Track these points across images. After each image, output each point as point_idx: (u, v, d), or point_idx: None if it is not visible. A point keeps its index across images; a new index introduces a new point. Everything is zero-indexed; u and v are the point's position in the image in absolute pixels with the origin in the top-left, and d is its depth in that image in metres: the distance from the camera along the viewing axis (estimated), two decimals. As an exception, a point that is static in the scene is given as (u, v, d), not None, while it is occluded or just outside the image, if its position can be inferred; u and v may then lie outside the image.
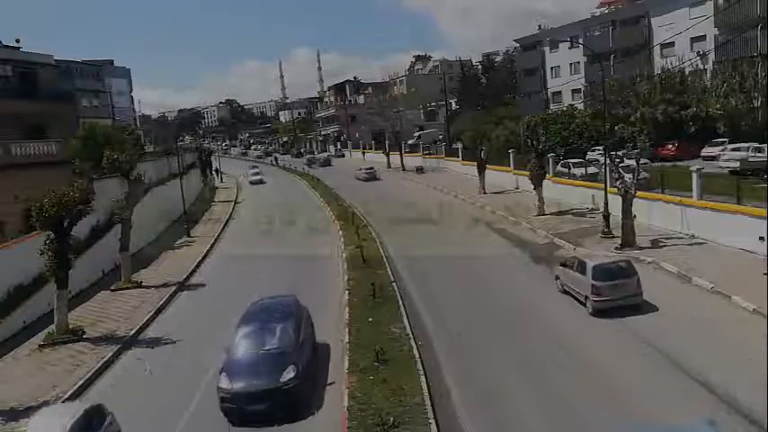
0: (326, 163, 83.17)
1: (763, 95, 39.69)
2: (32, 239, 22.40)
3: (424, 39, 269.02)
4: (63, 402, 15.32)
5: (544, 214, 32.29)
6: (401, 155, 66.35)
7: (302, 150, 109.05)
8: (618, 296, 17.60)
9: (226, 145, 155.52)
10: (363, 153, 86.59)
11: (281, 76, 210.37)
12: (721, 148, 37.18)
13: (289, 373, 13.79)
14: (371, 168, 61.65)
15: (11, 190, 28.23)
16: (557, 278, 20.59)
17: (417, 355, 15.87)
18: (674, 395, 12.88)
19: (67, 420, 11.81)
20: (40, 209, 19.64)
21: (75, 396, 16.13)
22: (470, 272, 24.39)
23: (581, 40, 55.08)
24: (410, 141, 75.54)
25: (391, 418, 12.28)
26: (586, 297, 18.11)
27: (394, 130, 70.29)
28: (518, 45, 74.38)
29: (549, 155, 36.23)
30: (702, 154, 39.43)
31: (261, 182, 67.76)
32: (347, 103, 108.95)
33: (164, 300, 24.74)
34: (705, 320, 16.73)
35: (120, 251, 27.41)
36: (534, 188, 32.95)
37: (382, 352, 15.58)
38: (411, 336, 17.29)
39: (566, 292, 19.77)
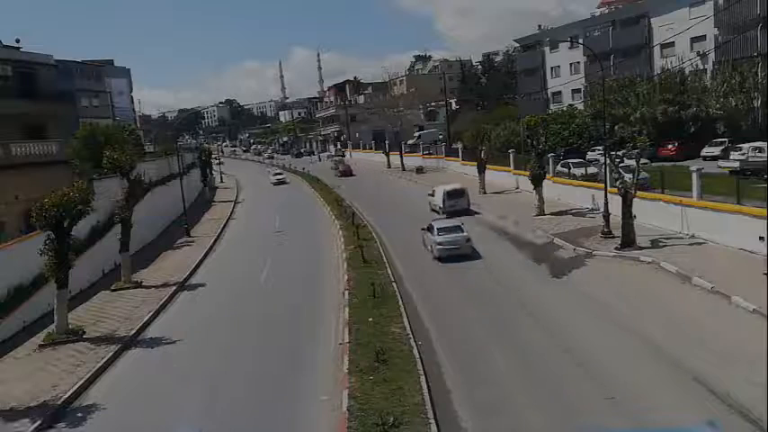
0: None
1: (764, 95, 39.69)
2: (32, 239, 22.39)
3: (423, 39, 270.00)
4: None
5: (544, 214, 32.26)
6: (401, 155, 66.29)
7: (302, 150, 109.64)
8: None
9: (226, 145, 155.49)
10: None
11: (281, 76, 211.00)
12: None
13: None
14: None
15: (11, 190, 28.27)
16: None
17: (417, 355, 15.88)
18: (673, 395, 12.89)
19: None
20: (40, 209, 19.63)
21: (75, 397, 16.13)
22: (470, 272, 24.37)
23: (581, 40, 55.10)
24: (410, 141, 75.37)
25: (391, 418, 12.26)
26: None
27: (394, 130, 70.01)
28: (518, 45, 74.38)
29: (549, 155, 36.19)
30: (702, 154, 39.44)
31: None
32: (347, 103, 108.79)
33: (164, 300, 24.76)
34: (705, 320, 16.72)
35: (121, 251, 27.41)
36: (534, 188, 32.94)
37: (382, 352, 15.58)
38: (411, 335, 17.30)
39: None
